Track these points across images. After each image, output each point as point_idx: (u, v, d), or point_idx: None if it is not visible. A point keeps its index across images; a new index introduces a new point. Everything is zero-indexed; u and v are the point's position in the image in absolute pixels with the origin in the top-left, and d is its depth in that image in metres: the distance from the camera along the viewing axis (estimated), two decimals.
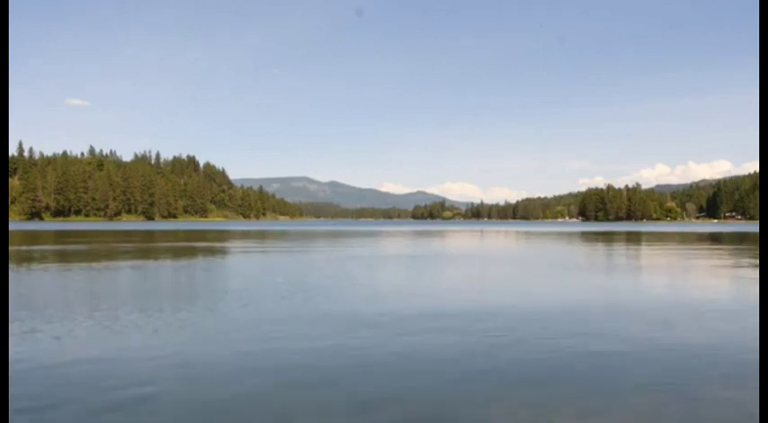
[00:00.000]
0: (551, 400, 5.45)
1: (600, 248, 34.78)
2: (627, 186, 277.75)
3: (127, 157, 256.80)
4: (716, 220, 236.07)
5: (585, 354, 7.24)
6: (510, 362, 6.84)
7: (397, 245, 38.38)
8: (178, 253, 27.53)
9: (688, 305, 11.55)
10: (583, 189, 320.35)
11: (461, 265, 22.34)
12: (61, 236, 51.33)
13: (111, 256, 24.76)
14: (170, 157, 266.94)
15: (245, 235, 57.27)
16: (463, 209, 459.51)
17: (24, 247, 31.24)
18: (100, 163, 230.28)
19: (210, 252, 28.51)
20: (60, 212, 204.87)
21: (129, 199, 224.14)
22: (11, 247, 29.67)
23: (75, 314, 9.80)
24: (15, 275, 15.97)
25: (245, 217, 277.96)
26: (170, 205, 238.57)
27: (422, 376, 6.22)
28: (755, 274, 17.57)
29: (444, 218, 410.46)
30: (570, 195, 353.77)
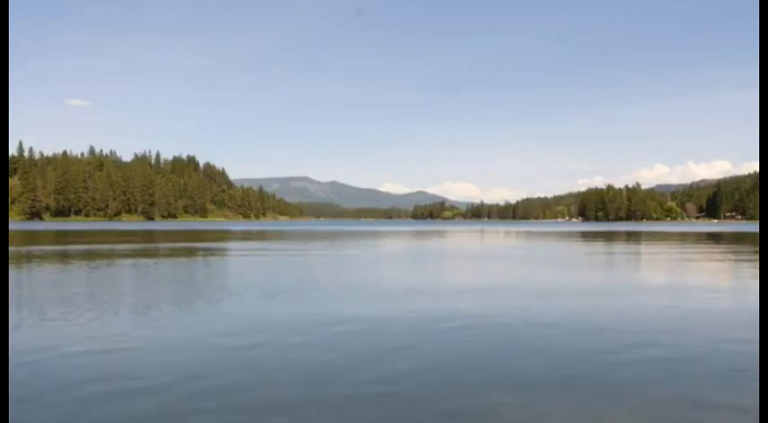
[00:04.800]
0: (549, 400, 5.46)
1: (601, 248, 34.77)
2: (627, 186, 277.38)
3: (127, 157, 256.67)
4: (716, 220, 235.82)
5: (583, 354, 7.24)
6: (508, 361, 6.85)
7: (397, 245, 38.38)
8: (179, 253, 27.54)
9: (688, 304, 11.55)
10: (583, 189, 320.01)
11: (465, 264, 22.34)
12: (61, 236, 51.32)
13: (111, 256, 24.76)
14: (170, 157, 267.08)
15: (245, 235, 57.26)
16: (463, 209, 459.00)
17: (24, 248, 31.24)
18: (100, 163, 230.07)
19: (211, 252, 28.52)
20: (60, 212, 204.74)
21: (129, 199, 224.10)
22: (11, 248, 29.67)
23: (74, 314, 9.81)
24: (15, 276, 15.98)
25: (245, 217, 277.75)
26: (170, 205, 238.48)
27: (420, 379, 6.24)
28: (755, 273, 17.58)
29: (444, 218, 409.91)
30: (570, 195, 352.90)
